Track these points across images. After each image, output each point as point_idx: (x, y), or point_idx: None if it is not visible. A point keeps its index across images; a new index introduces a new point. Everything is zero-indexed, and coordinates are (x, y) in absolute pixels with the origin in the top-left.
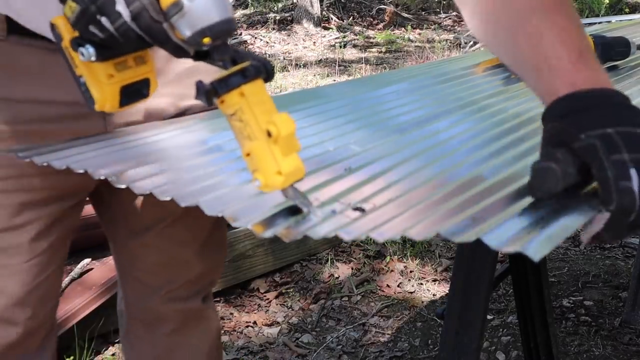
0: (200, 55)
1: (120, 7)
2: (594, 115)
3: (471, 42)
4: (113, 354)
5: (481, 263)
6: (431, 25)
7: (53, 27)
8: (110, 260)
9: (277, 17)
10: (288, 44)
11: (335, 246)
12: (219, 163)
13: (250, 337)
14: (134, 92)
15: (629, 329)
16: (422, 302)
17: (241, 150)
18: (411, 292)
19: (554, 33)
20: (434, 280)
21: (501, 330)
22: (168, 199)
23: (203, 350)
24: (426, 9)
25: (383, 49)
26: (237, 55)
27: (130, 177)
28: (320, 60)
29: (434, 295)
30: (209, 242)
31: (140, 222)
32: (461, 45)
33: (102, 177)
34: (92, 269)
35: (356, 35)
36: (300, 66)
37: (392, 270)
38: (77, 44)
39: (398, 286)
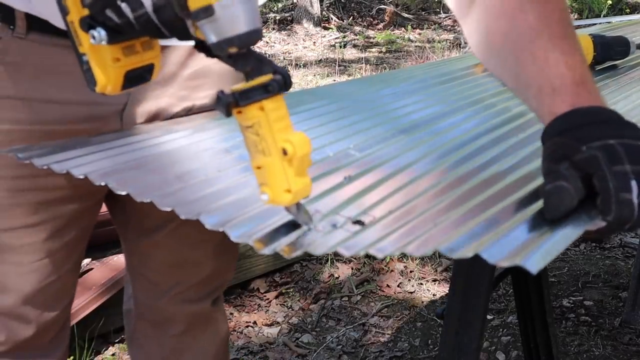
0: (218, 55)
1: None
2: (595, 128)
3: None
4: (113, 354)
5: (481, 263)
6: (431, 25)
7: None
8: (110, 260)
9: (277, 17)
10: (288, 44)
11: None
12: (222, 168)
13: (250, 337)
14: (137, 76)
15: (629, 329)
16: (422, 302)
17: (251, 161)
18: (411, 292)
19: (558, 57)
20: (434, 280)
21: (501, 330)
22: (169, 209)
23: (210, 353)
24: (426, 9)
25: (383, 49)
26: (259, 65)
27: (132, 183)
28: (320, 60)
29: (434, 295)
30: (220, 243)
31: (152, 222)
32: (461, 46)
33: (103, 184)
34: (92, 269)
35: (356, 35)
36: (300, 66)
37: (392, 270)
38: (87, 24)
39: (398, 286)
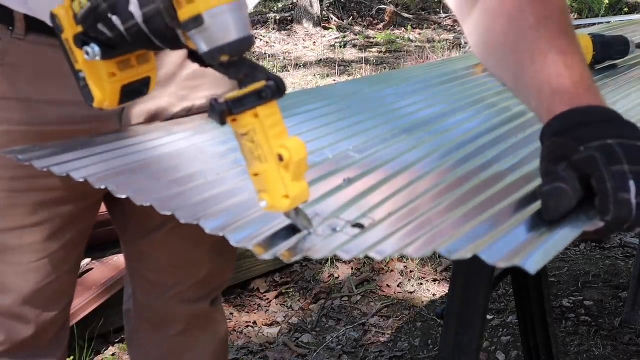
0: (210, 64)
1: (133, 7)
2: (594, 128)
3: None
4: (113, 354)
5: (481, 263)
6: (431, 25)
7: (54, 17)
8: (110, 260)
9: (277, 17)
10: (288, 44)
11: None
12: (221, 171)
13: (250, 337)
14: (134, 90)
15: (629, 329)
16: (422, 302)
17: (247, 168)
18: (411, 292)
19: (557, 57)
20: (434, 280)
21: (501, 330)
22: (168, 213)
23: (210, 353)
24: (426, 9)
25: (383, 49)
26: (252, 72)
27: (132, 187)
28: (320, 60)
29: (434, 295)
30: (219, 243)
31: (151, 222)
32: (461, 45)
33: (102, 187)
34: (92, 269)
35: (356, 35)
36: (300, 66)
37: (392, 270)
38: (81, 41)
39: (398, 286)
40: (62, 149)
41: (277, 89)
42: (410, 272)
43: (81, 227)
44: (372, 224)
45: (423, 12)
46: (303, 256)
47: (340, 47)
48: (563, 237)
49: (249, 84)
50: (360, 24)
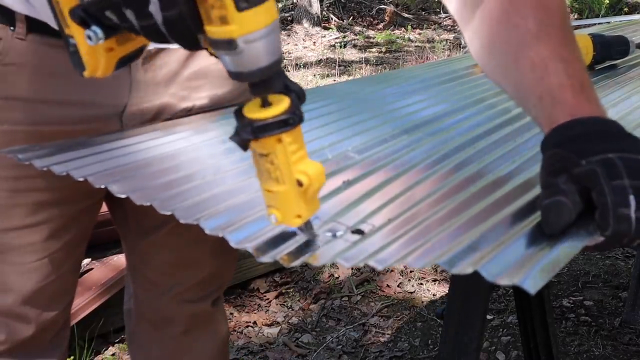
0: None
1: (154, 8)
2: (595, 141)
3: None
4: (113, 354)
5: None
6: (431, 25)
7: None
8: (110, 260)
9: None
10: (288, 44)
11: None
12: (222, 171)
13: (250, 337)
14: (129, 58)
15: (629, 329)
16: (422, 302)
17: (261, 184)
18: (411, 292)
19: (558, 65)
20: (434, 280)
21: (501, 330)
22: (168, 213)
23: (210, 353)
24: (426, 9)
25: (383, 49)
26: (274, 85)
27: (132, 187)
28: (320, 60)
29: (434, 295)
30: (220, 243)
31: (152, 221)
32: (461, 45)
33: (102, 186)
34: (92, 269)
35: (356, 35)
36: (300, 66)
37: (392, 270)
38: (79, 17)
39: (398, 286)
40: (62, 148)
41: (299, 105)
42: (410, 272)
43: (82, 227)
44: (372, 230)
45: (423, 12)
46: (303, 262)
47: (340, 47)
48: (563, 254)
49: (271, 98)
50: (360, 24)
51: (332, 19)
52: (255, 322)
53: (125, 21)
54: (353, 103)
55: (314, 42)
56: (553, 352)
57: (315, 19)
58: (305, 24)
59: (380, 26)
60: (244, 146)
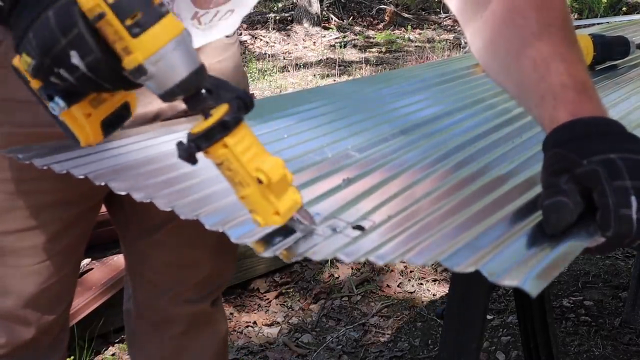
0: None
1: (76, 60)
2: (596, 141)
3: None
4: (113, 354)
5: None
6: (431, 25)
7: (16, 69)
8: (110, 260)
9: (277, 17)
10: (288, 44)
11: None
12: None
13: (250, 337)
14: (116, 119)
15: (629, 329)
16: (422, 302)
17: (235, 193)
18: (411, 292)
19: (560, 65)
20: (434, 280)
21: (501, 330)
22: (169, 209)
23: (210, 353)
24: (426, 9)
25: (383, 49)
26: (214, 97)
27: (132, 184)
28: (320, 60)
29: (434, 295)
30: (220, 243)
31: (151, 221)
32: (461, 45)
33: (102, 184)
34: (92, 269)
35: (356, 35)
36: (300, 66)
37: (392, 270)
38: (45, 94)
39: (398, 286)
40: (62, 147)
41: (243, 106)
42: (410, 272)
43: (81, 230)
44: (373, 226)
45: (423, 12)
46: (303, 257)
47: (340, 47)
48: (563, 256)
49: (212, 110)
50: (360, 24)
51: (332, 19)
52: (255, 322)
53: (65, 80)
54: (353, 103)
55: (314, 42)
56: (553, 352)
57: (315, 19)
58: (305, 24)
59: (380, 26)
60: (193, 160)
